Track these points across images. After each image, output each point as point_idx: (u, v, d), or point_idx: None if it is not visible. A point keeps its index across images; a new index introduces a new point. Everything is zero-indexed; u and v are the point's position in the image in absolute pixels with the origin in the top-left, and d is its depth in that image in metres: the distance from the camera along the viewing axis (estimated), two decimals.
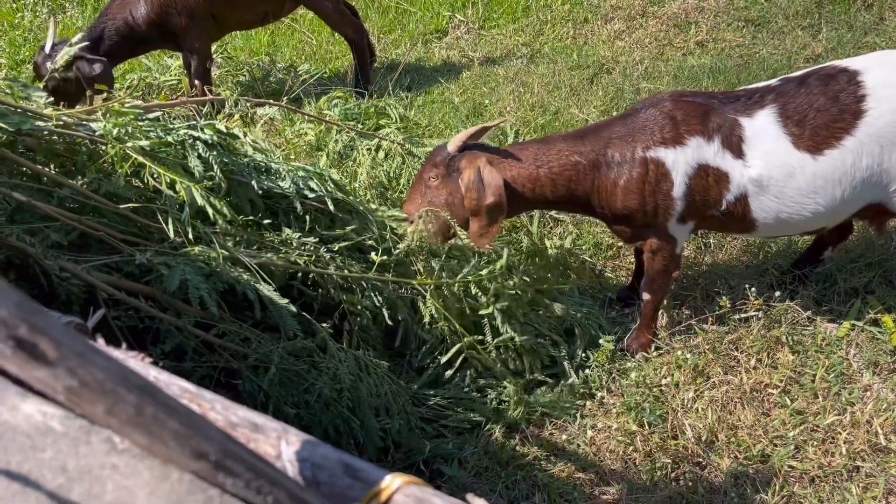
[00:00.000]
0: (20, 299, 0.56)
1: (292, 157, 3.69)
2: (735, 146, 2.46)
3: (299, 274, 2.50)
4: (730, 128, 2.47)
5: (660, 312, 2.86)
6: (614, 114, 3.81)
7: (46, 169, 2.30)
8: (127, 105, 2.35)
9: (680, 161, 2.49)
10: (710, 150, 2.48)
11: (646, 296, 2.78)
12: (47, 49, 3.94)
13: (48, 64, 3.91)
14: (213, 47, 5.09)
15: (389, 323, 2.62)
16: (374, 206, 3.01)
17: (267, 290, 2.30)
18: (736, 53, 4.60)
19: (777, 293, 2.87)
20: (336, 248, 2.58)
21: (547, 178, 2.59)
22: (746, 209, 2.53)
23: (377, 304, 2.60)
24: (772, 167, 2.45)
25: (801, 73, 2.55)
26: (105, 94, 3.19)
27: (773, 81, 2.56)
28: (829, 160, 2.42)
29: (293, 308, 2.37)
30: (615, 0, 5.19)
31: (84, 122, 2.37)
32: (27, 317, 0.56)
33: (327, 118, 3.89)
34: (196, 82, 4.38)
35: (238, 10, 4.31)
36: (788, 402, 2.55)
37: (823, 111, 2.41)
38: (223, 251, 2.27)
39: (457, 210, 2.66)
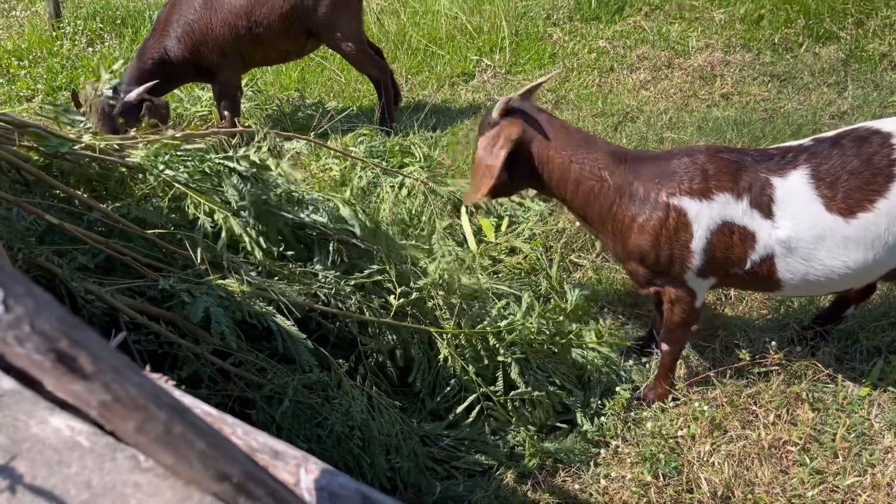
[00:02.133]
0: (62, 313, 0.58)
1: (316, 191, 3.73)
2: (765, 206, 2.42)
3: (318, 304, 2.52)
4: (761, 187, 2.43)
5: (678, 363, 2.84)
6: None
7: (78, 192, 2.35)
8: (167, 136, 2.41)
9: (704, 214, 2.45)
10: (738, 209, 2.44)
11: (664, 347, 2.75)
12: (107, 90, 4.04)
13: (116, 104, 4.02)
14: (244, 81, 5.20)
15: (402, 364, 2.63)
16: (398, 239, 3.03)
17: (286, 323, 2.32)
18: (760, 107, 4.63)
19: (798, 348, 2.84)
20: (353, 283, 2.59)
21: (573, 177, 2.56)
22: (773, 270, 2.47)
23: (393, 342, 2.61)
24: (802, 229, 2.40)
25: (833, 133, 2.52)
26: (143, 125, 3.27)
27: (805, 141, 2.53)
28: (861, 223, 2.37)
29: (311, 344, 2.38)
30: (641, 51, 5.26)
31: (118, 149, 2.42)
32: (68, 331, 0.57)
33: (353, 154, 3.95)
34: (226, 114, 4.48)
35: (263, 49, 4.44)
36: (808, 460, 2.51)
37: (856, 174, 2.37)
38: (249, 285, 2.29)
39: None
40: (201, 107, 4.93)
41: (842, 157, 2.40)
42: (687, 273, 2.54)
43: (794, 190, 2.41)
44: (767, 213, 2.42)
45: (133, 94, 4.01)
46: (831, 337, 2.96)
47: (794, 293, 2.65)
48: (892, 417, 2.62)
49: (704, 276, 2.55)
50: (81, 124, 2.46)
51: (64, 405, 0.78)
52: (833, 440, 2.55)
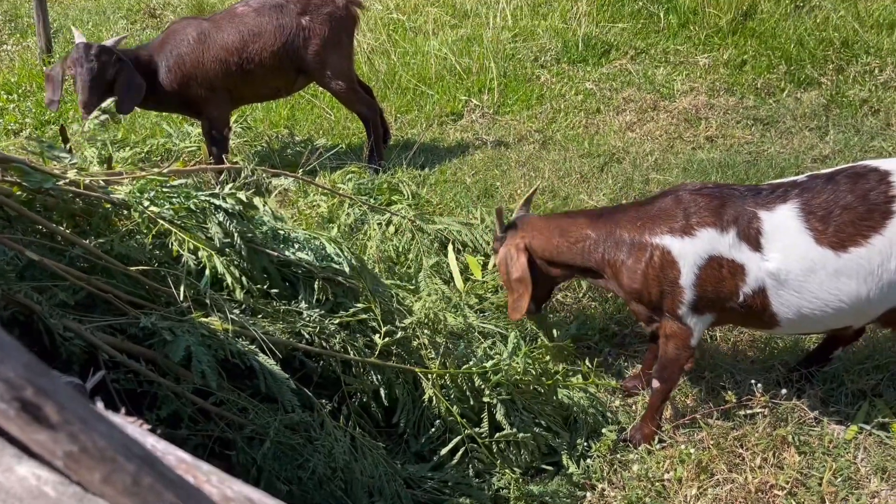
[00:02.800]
0: (29, 360, 0.56)
1: (303, 227, 3.73)
2: (753, 239, 2.45)
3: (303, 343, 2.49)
4: (748, 221, 2.46)
5: (666, 404, 2.82)
6: (623, 202, 3.86)
7: (61, 228, 2.33)
8: (153, 172, 2.40)
9: (688, 251, 2.50)
10: (723, 243, 2.47)
11: (655, 384, 2.74)
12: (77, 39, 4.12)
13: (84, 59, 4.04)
14: (234, 117, 5.23)
15: (386, 404, 2.60)
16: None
17: (269, 362, 2.29)
18: (745, 150, 4.69)
19: (783, 391, 2.83)
20: (338, 321, 2.57)
21: (566, 247, 2.82)
22: (766, 303, 2.49)
23: (377, 382, 2.58)
24: (791, 261, 2.41)
25: (829, 170, 2.54)
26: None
27: (800, 177, 2.56)
28: (853, 258, 2.37)
29: (293, 383, 2.35)
30: (627, 93, 5.34)
31: (103, 185, 2.41)
32: (34, 379, 0.55)
33: (340, 191, 3.95)
34: (213, 149, 4.48)
35: (253, 85, 4.47)
36: None
37: (851, 209, 2.38)
38: (233, 324, 2.26)
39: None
40: (190, 142, 4.94)
41: (835, 192, 2.42)
42: (680, 308, 2.57)
43: (783, 223, 2.43)
44: (756, 245, 2.45)
45: (111, 41, 4.07)
46: (817, 379, 2.96)
47: (793, 329, 2.65)
48: (878, 461, 2.60)
49: (699, 311, 2.57)
50: (67, 160, 2.45)
51: (32, 452, 0.76)
52: (820, 484, 2.53)
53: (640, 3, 6.20)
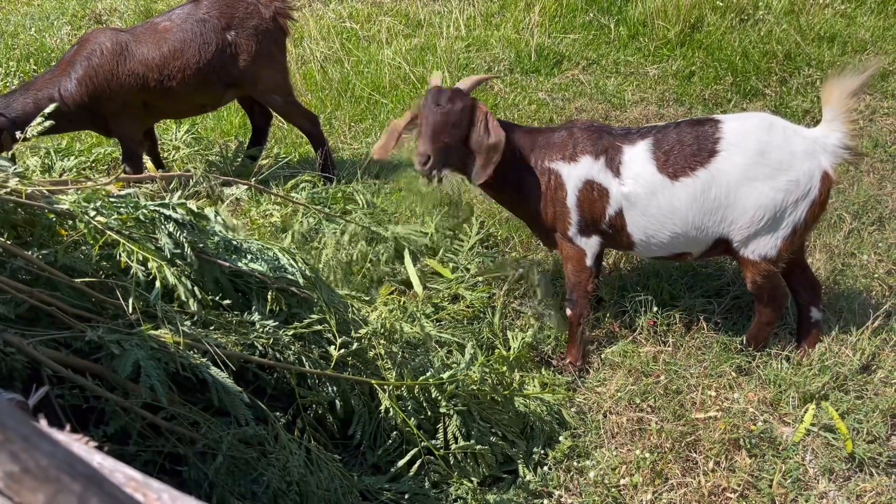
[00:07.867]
0: None
1: (256, 237, 3.67)
2: (615, 167, 2.97)
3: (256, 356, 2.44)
4: (615, 152, 2.98)
5: (582, 329, 3.15)
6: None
7: (1, 239, 2.24)
8: (100, 183, 2.33)
9: (572, 175, 3.01)
10: (595, 168, 2.98)
11: (567, 311, 3.18)
12: None
13: None
14: (184, 127, 5.12)
15: (342, 416, 2.57)
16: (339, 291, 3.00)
17: (221, 375, 2.24)
18: None
19: (735, 394, 2.89)
20: (292, 333, 2.53)
21: (528, 145, 3.12)
22: (623, 223, 2.99)
23: (333, 394, 2.54)
24: (639, 186, 2.92)
25: (682, 120, 3.11)
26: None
27: (662, 123, 3.04)
28: (682, 186, 2.87)
29: (247, 397, 2.30)
30: (579, 103, 5.41)
31: (47, 195, 2.33)
32: None
33: (294, 199, 3.90)
34: (127, 168, 4.28)
35: (174, 102, 4.23)
36: None
37: (687, 146, 2.89)
38: (184, 336, 2.20)
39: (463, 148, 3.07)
40: None
41: (679, 133, 2.92)
42: (570, 229, 3.06)
43: (637, 155, 2.94)
44: (617, 173, 2.96)
45: None
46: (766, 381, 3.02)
47: (646, 251, 3.08)
48: (826, 463, 2.67)
49: (585, 232, 3.06)
50: (9, 168, 2.36)
51: None
52: (770, 486, 2.59)
53: (591, 15, 6.30)
